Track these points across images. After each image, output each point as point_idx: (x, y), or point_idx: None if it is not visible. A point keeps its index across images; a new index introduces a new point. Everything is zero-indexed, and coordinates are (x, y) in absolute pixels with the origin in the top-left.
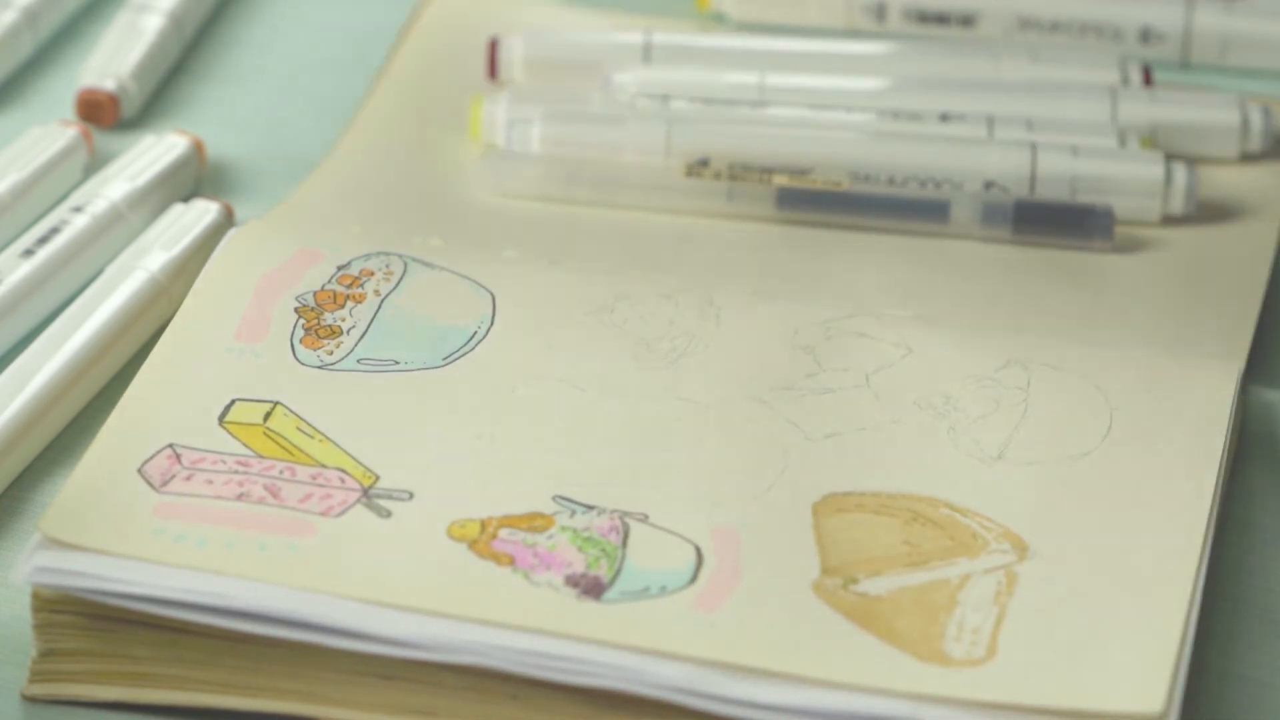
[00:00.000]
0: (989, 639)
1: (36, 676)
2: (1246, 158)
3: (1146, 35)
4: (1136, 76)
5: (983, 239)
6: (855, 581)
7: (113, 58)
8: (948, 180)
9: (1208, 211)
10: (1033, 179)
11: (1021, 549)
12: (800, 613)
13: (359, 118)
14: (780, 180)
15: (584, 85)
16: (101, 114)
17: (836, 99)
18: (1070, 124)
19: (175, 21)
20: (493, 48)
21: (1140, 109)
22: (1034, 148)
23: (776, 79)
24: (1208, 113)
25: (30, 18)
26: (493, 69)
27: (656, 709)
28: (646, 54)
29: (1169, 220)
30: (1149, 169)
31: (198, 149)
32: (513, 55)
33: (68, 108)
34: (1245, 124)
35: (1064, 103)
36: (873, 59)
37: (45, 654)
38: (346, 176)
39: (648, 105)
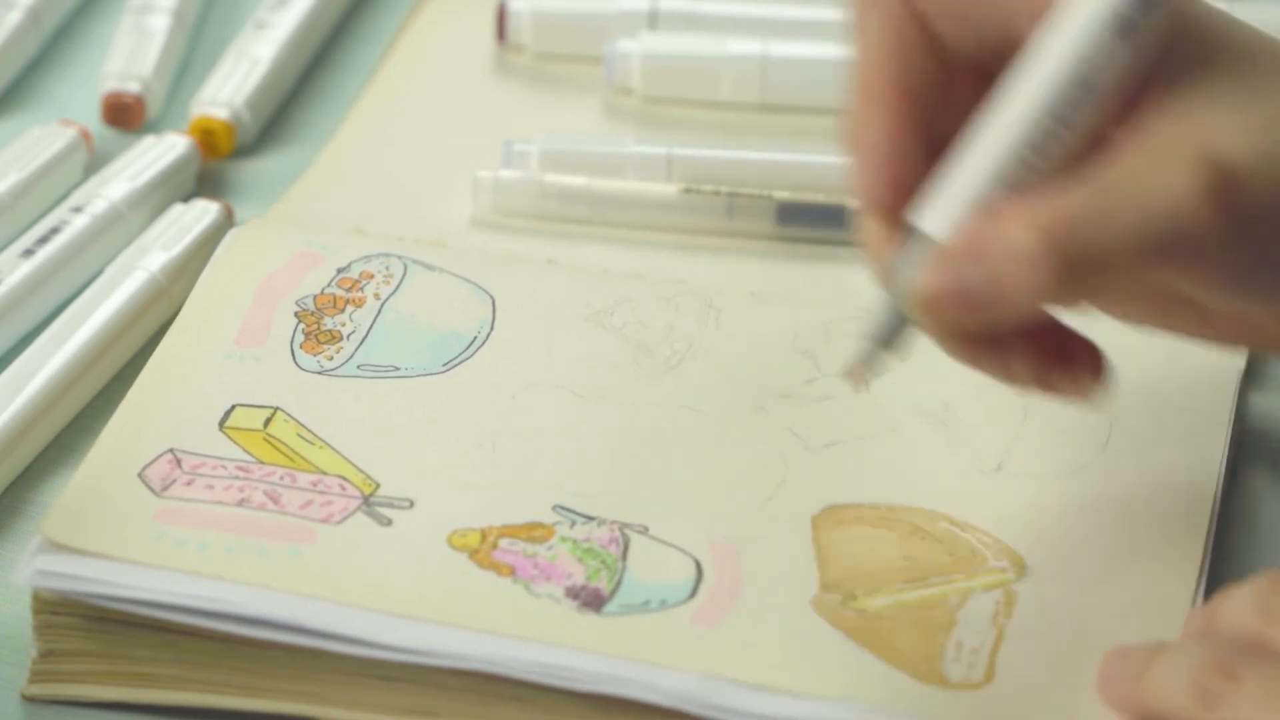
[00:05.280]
0: (987, 662)
1: (36, 676)
2: None
3: None
4: None
5: None
6: (854, 598)
7: (131, 60)
8: None
9: None
10: None
11: (1020, 566)
12: (800, 630)
13: (356, 109)
14: (781, 195)
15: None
16: (129, 117)
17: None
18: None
19: (180, 19)
20: (501, 11)
21: None
22: None
23: (780, 47)
24: None
25: (35, 17)
26: (501, 32)
27: (659, 714)
28: (652, 20)
29: None
30: None
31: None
32: (521, 19)
33: (71, 108)
34: None
35: None
36: None
37: (45, 654)
38: (345, 172)
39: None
